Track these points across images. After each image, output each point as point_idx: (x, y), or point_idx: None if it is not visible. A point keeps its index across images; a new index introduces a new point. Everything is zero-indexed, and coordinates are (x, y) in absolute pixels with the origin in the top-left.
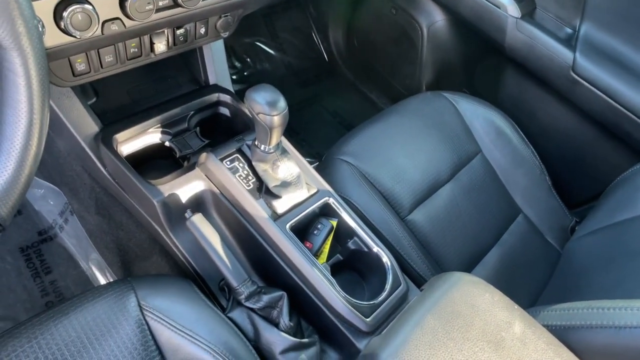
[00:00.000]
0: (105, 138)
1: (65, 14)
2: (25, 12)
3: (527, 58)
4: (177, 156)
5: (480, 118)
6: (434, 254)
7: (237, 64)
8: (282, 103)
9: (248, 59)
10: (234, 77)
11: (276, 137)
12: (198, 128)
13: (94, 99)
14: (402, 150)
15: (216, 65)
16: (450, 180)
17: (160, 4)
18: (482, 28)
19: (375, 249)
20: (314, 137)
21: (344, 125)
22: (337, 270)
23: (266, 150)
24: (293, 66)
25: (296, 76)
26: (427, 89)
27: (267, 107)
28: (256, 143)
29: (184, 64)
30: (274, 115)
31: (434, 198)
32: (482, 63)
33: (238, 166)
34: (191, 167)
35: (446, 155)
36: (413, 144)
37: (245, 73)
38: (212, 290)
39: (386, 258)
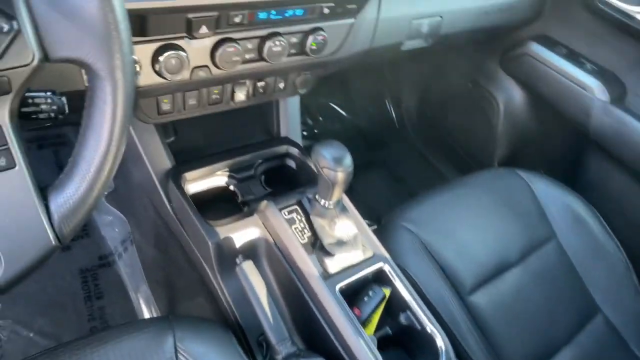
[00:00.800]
0: (175, 175)
1: (161, 58)
2: (124, 49)
3: (614, 144)
4: (239, 201)
5: (558, 201)
6: (494, 343)
7: (309, 121)
8: (347, 160)
9: (320, 118)
10: (304, 132)
11: (338, 193)
12: (263, 176)
13: (173, 138)
14: (468, 224)
15: (289, 119)
16: (519, 264)
17: (247, 56)
18: (564, 109)
19: (429, 327)
20: (375, 199)
21: (408, 192)
22: (384, 345)
23: (326, 205)
24: (363, 129)
25: (365, 138)
26: (499, 164)
27: (333, 162)
28: (317, 197)
29: (259, 113)
30: (338, 171)
31: (499, 280)
32: (561, 143)
33: (296, 218)
34: (250, 213)
35: (516, 236)
36: (480, 219)
37: (315, 130)
38: (250, 343)
39: (440, 341)
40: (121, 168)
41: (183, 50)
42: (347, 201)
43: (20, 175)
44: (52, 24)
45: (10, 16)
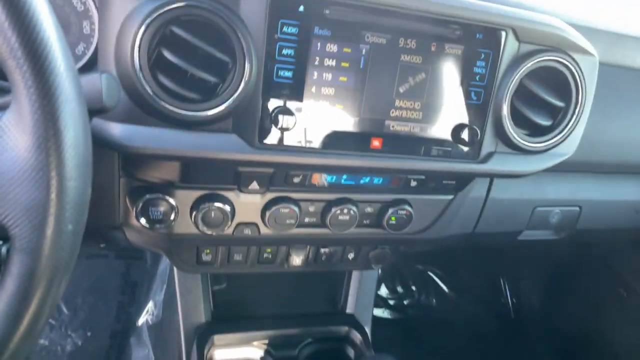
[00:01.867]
0: (203, 336)
1: (199, 208)
2: (60, 222)
3: None
4: None
5: None
6: None
7: (400, 289)
8: None
9: (413, 287)
10: (391, 302)
11: None
12: None
13: (224, 285)
14: None
15: (360, 293)
16: None
17: (307, 220)
18: None
19: None
20: None
21: None
22: None
23: None
24: (465, 311)
25: (466, 326)
26: None
27: None
28: None
29: (325, 278)
30: None
31: None
32: None
33: None
34: None
35: None
36: None
37: (405, 302)
38: None
39: None
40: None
41: (229, 203)
42: None
43: None
44: None
45: None
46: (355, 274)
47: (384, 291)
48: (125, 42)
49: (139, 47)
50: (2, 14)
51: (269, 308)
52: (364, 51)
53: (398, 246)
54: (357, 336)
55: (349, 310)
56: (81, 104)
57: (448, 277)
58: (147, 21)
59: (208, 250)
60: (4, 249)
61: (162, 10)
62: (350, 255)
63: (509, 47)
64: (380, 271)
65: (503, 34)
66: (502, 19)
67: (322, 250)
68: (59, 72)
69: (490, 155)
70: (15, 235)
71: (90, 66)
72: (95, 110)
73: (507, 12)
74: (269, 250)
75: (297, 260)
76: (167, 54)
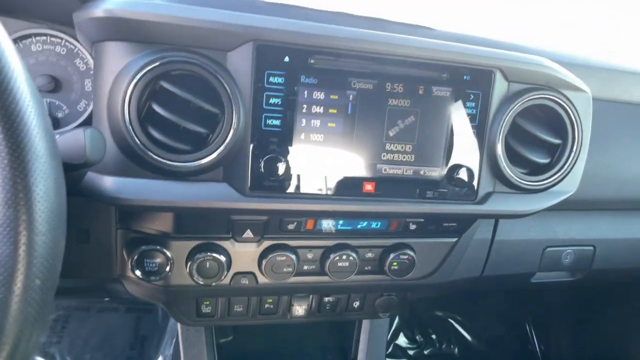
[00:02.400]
0: None
1: (194, 258)
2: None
3: None
4: None
5: None
6: None
7: (419, 338)
8: None
9: (434, 335)
10: (411, 352)
11: None
12: None
13: (230, 337)
14: None
15: (372, 343)
16: None
17: (305, 268)
18: None
19: None
20: None
21: None
22: None
23: None
24: None
25: None
26: None
27: None
28: None
29: (334, 327)
30: None
31: None
32: None
33: None
34: None
35: None
36: None
37: (425, 351)
38: None
39: None
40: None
41: (225, 252)
42: None
43: None
44: None
45: None
46: (365, 322)
47: (402, 340)
48: (117, 97)
49: (129, 101)
50: None
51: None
52: (351, 97)
53: (404, 293)
54: None
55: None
56: (54, 159)
57: (470, 324)
58: (138, 77)
59: (208, 302)
60: None
61: (151, 66)
62: (356, 304)
63: (498, 86)
64: (397, 319)
65: (491, 74)
66: (489, 61)
67: (326, 298)
68: (29, 129)
69: (488, 196)
70: None
71: (90, 121)
72: (79, 164)
73: (494, 54)
74: (270, 300)
75: (299, 310)
76: (157, 108)
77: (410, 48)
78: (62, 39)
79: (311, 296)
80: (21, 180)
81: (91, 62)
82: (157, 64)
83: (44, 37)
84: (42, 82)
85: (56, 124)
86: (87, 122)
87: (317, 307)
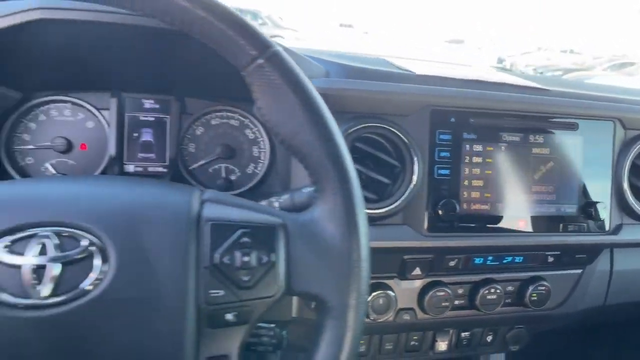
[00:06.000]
0: None
1: (370, 297)
2: (362, 288)
3: None
4: None
5: None
6: None
7: None
8: None
9: None
10: None
11: None
12: None
13: None
14: None
15: None
16: None
17: (456, 302)
18: None
19: None
20: None
21: None
22: None
23: None
24: None
25: None
26: None
27: None
28: None
29: None
30: None
31: None
32: None
33: None
34: None
35: None
36: None
37: None
38: None
39: None
40: None
41: (392, 290)
42: None
43: None
44: (302, 259)
45: (271, 249)
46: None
47: None
48: None
49: None
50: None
51: None
52: (502, 148)
53: (534, 324)
54: None
55: None
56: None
57: None
58: None
59: (363, 341)
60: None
61: (350, 131)
62: (489, 338)
63: (618, 133)
64: None
65: (612, 124)
66: (609, 112)
67: (463, 334)
68: (353, 184)
69: (619, 228)
70: (330, 306)
71: (260, 184)
72: None
73: (613, 107)
74: (415, 337)
75: (442, 345)
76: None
77: (547, 106)
78: (235, 112)
79: (451, 332)
80: (352, 220)
81: (261, 131)
82: (355, 128)
83: (222, 113)
84: (219, 151)
85: (229, 186)
86: (258, 185)
87: (455, 342)
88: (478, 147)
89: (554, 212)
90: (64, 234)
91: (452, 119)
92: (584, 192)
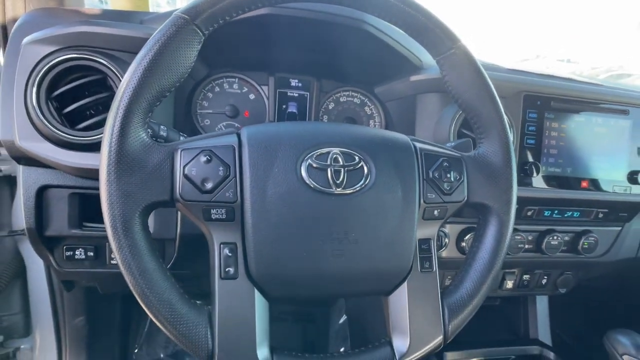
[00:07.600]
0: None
1: (467, 237)
2: (514, 198)
3: None
4: None
5: None
6: None
7: None
8: None
9: None
10: None
11: None
12: None
13: None
14: None
15: (540, 321)
16: None
17: (527, 246)
18: None
19: None
20: None
21: None
22: None
23: None
24: None
25: None
26: None
27: (634, 349)
28: None
29: (505, 315)
30: None
31: None
32: None
33: None
34: None
35: None
36: None
37: None
38: None
39: None
40: None
41: None
42: None
43: (434, 277)
44: (476, 180)
45: (459, 171)
46: (531, 306)
47: None
48: None
49: None
50: None
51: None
52: (572, 125)
53: (581, 270)
54: (550, 355)
55: (532, 336)
56: None
57: None
58: None
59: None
60: None
61: None
62: (544, 281)
63: None
64: None
65: None
66: None
67: (525, 276)
68: (509, 133)
69: None
70: (496, 208)
71: None
72: None
73: None
74: None
75: (509, 284)
76: None
77: (602, 94)
78: (358, 92)
79: (516, 272)
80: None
81: (375, 108)
82: None
83: (348, 92)
84: (344, 122)
85: None
86: None
87: (518, 283)
88: (555, 125)
89: (608, 177)
90: (344, 153)
91: (539, 102)
92: (630, 162)
